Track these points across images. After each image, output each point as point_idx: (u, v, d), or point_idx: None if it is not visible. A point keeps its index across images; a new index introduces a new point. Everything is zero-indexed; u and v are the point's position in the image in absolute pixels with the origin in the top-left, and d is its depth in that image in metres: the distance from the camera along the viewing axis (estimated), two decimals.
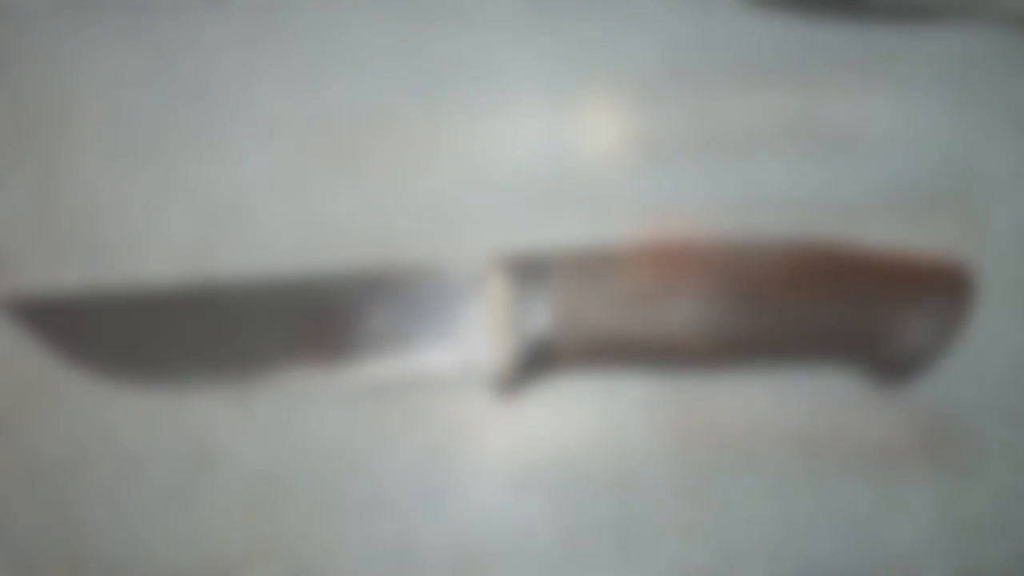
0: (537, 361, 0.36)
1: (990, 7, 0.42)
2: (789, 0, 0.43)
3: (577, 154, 0.41)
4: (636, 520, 0.37)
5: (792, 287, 0.35)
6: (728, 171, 0.41)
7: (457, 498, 0.37)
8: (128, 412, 0.37)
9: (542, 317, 0.35)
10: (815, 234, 0.41)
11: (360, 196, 0.40)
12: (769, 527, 0.37)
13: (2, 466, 0.36)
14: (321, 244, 0.39)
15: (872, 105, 0.42)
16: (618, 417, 0.38)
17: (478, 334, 0.36)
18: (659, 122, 0.42)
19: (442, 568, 0.36)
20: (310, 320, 0.36)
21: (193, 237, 0.39)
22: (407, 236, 0.40)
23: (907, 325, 0.36)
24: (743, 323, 0.35)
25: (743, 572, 0.37)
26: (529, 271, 0.36)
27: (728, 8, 0.42)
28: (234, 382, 0.36)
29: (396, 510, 0.37)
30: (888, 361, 0.36)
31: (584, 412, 0.38)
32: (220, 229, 0.39)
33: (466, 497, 0.37)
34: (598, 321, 0.35)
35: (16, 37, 0.41)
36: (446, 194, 0.40)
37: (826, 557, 0.37)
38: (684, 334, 0.35)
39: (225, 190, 0.40)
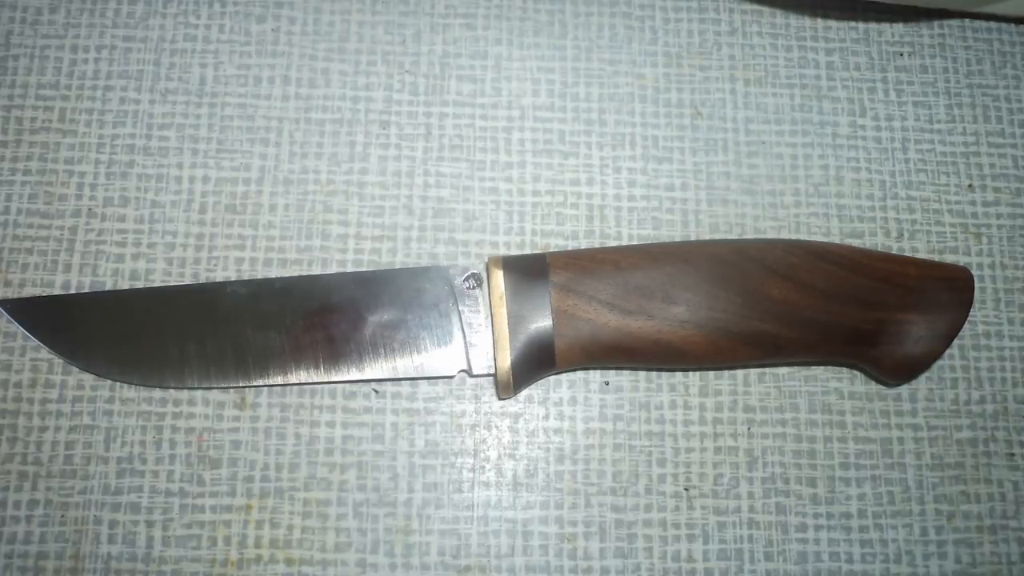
0: (537, 361, 0.36)
1: (990, 7, 0.42)
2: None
3: (576, 155, 0.41)
4: (636, 520, 0.37)
5: (792, 287, 0.35)
6: (726, 171, 0.41)
7: (457, 498, 0.37)
8: (128, 412, 0.37)
9: (542, 317, 0.35)
10: (815, 235, 0.41)
11: (361, 196, 0.40)
12: (769, 527, 0.37)
13: (2, 466, 0.37)
14: (321, 244, 0.40)
15: (872, 105, 0.42)
16: (618, 417, 0.38)
17: (478, 334, 0.36)
18: (659, 121, 0.42)
19: (442, 568, 0.36)
20: (310, 320, 0.36)
21: (193, 237, 0.39)
22: (407, 236, 0.40)
23: (908, 325, 0.36)
24: (743, 323, 0.35)
25: (743, 572, 0.37)
26: (529, 271, 0.36)
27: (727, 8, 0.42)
28: (234, 382, 0.37)
29: (396, 510, 0.37)
30: (889, 361, 0.36)
31: (584, 412, 0.38)
32: (220, 229, 0.40)
33: (466, 497, 0.37)
34: (598, 321, 0.35)
35: (16, 37, 0.41)
36: (447, 195, 0.41)
37: (826, 557, 0.37)
38: (684, 334, 0.35)
39: (225, 190, 0.40)
